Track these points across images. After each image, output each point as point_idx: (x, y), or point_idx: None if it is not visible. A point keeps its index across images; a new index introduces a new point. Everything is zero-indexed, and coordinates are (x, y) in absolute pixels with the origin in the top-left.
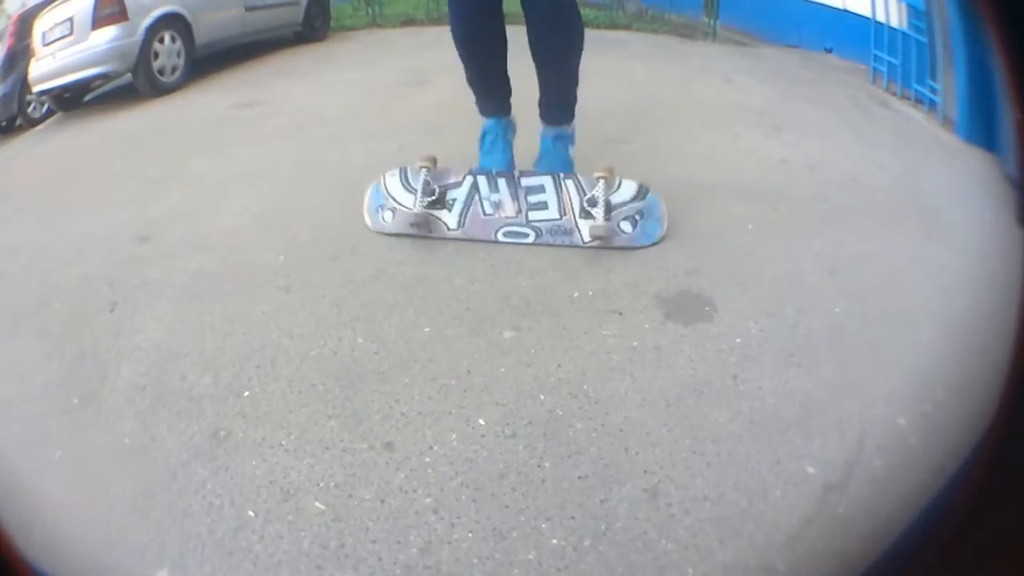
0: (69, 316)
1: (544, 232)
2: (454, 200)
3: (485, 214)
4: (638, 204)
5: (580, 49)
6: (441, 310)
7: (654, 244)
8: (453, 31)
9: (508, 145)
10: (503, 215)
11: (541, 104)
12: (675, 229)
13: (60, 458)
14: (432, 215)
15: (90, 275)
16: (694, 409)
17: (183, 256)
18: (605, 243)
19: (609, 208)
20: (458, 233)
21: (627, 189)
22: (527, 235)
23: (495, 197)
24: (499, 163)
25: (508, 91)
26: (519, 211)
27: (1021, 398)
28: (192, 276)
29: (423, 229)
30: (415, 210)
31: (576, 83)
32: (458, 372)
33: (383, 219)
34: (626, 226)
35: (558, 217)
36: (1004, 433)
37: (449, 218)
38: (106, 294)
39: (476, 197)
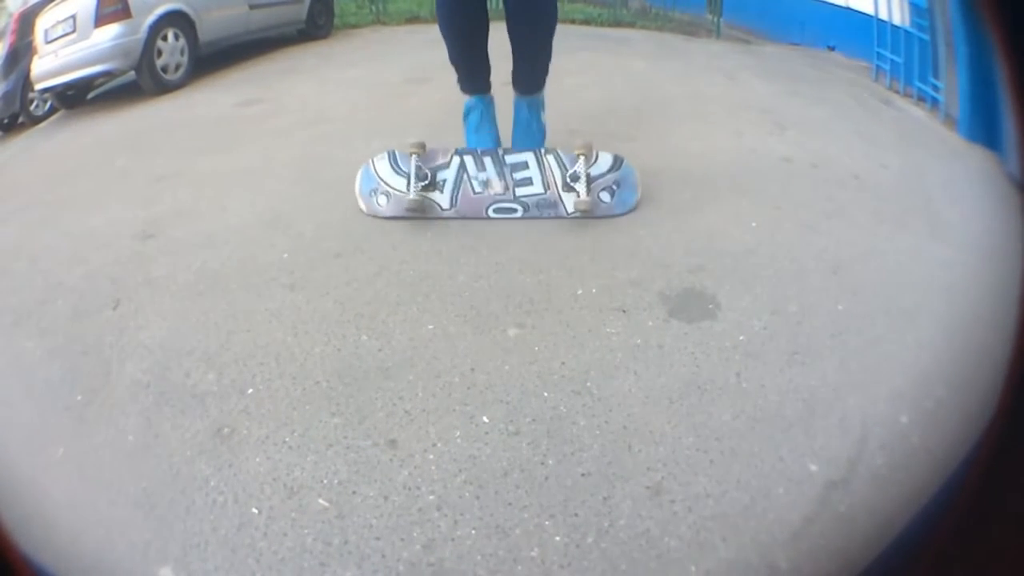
0: (72, 314)
1: (531, 207)
2: (444, 181)
3: (475, 193)
4: (615, 175)
5: (553, 27)
6: (445, 307)
7: (631, 211)
8: (440, 8)
9: (493, 123)
10: (492, 192)
11: (515, 76)
12: (679, 226)
13: (63, 456)
14: (426, 198)
15: (93, 273)
16: (697, 406)
17: (187, 253)
18: (588, 214)
19: (589, 181)
20: (451, 213)
21: (604, 161)
22: (516, 210)
23: (483, 176)
24: (487, 142)
25: (488, 70)
26: (507, 188)
27: (1021, 397)
28: (196, 273)
29: (418, 212)
30: (410, 195)
31: (549, 57)
32: (462, 369)
33: (378, 203)
34: (605, 196)
35: (543, 191)
36: (1004, 432)
37: (441, 199)
38: (109, 292)
39: (465, 176)
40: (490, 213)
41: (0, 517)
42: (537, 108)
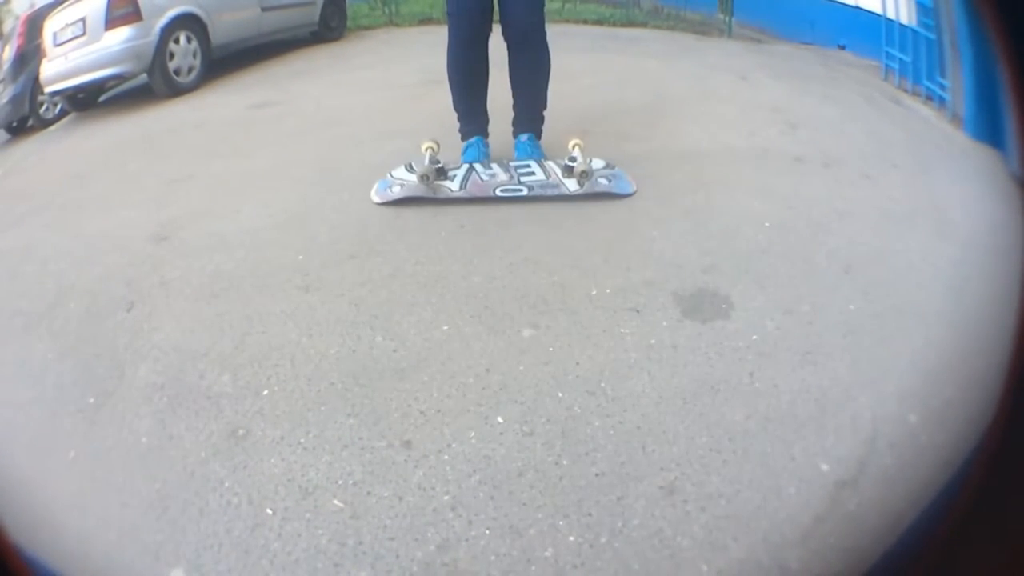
0: (85, 316)
1: (535, 187)
2: (455, 175)
3: (483, 180)
4: (609, 171)
5: (546, 71)
6: (459, 308)
7: (631, 194)
8: (451, 54)
9: (488, 151)
10: (499, 180)
11: (516, 119)
12: (692, 227)
13: (75, 458)
14: (437, 182)
15: (106, 275)
16: (711, 407)
17: (201, 256)
18: (589, 190)
19: (587, 171)
20: (461, 194)
21: (598, 162)
22: (521, 191)
23: (490, 172)
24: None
25: (487, 118)
26: (511, 178)
27: (1022, 397)
28: (210, 276)
29: (429, 191)
30: (422, 171)
31: (544, 104)
32: (476, 370)
33: (391, 191)
34: (603, 181)
35: (545, 178)
36: (1005, 431)
37: (452, 184)
38: (123, 294)
39: (474, 172)
40: (497, 193)
41: (1, 521)
42: (537, 143)
